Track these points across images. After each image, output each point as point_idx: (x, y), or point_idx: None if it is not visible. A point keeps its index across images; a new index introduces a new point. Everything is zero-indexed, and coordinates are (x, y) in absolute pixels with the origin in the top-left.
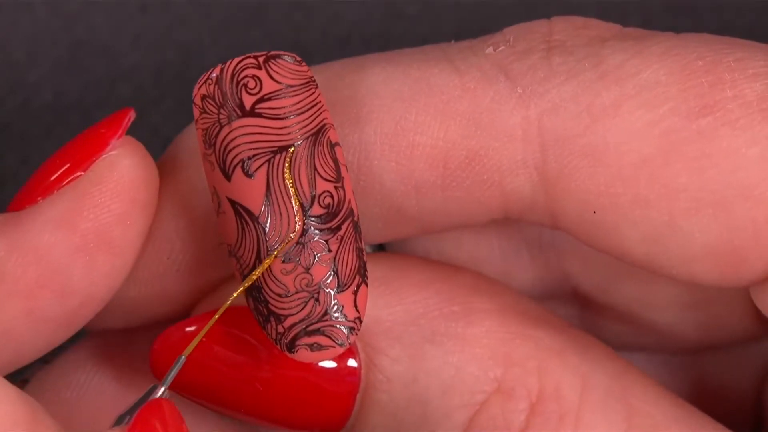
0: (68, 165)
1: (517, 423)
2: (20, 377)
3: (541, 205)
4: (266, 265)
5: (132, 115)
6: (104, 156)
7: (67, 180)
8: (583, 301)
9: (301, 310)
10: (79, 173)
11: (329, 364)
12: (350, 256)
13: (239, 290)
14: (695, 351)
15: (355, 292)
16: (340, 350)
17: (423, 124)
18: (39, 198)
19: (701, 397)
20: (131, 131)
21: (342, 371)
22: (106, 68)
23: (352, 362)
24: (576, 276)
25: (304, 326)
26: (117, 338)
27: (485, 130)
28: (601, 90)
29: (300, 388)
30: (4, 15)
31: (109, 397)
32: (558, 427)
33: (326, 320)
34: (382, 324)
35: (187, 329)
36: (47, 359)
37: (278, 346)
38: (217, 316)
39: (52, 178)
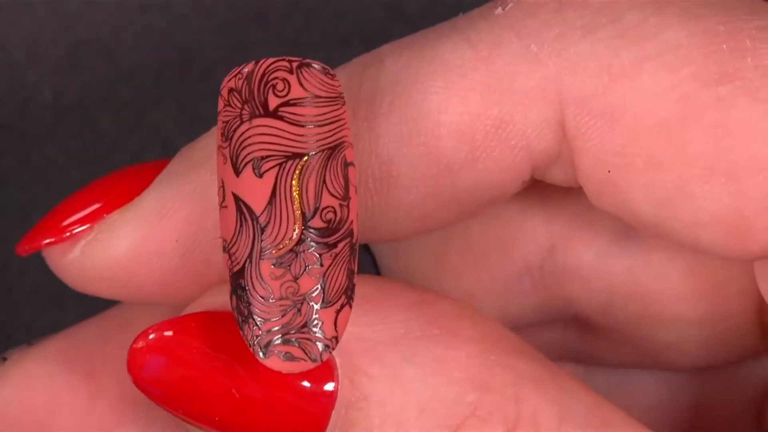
0: (94, 207)
1: None
2: (0, 355)
3: (565, 159)
4: None
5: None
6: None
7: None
8: (583, 323)
9: (282, 317)
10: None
11: (305, 383)
12: (340, 275)
13: None
14: (696, 370)
15: (338, 311)
16: (311, 366)
17: (445, 102)
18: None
19: (700, 415)
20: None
21: (318, 388)
22: (106, 68)
23: (329, 386)
24: (578, 300)
25: (281, 333)
26: (94, 333)
27: (506, 96)
28: (621, 49)
29: (275, 402)
30: (4, 15)
31: (79, 392)
32: None
33: (304, 332)
34: (363, 342)
35: (165, 333)
36: (32, 342)
37: (252, 349)
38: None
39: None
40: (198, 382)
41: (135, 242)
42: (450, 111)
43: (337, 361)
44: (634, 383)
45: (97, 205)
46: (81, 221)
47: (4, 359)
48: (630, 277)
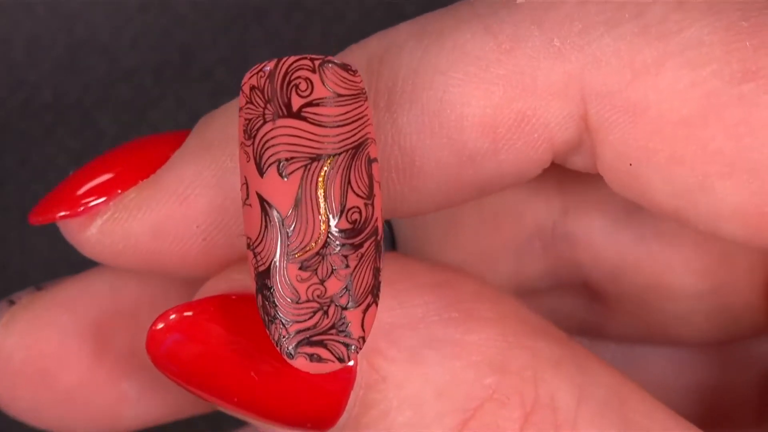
0: (107, 177)
1: (511, 431)
2: (8, 297)
3: (586, 149)
4: None
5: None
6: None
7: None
8: (593, 292)
9: (309, 319)
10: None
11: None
12: (366, 275)
13: None
14: (703, 344)
15: (365, 311)
16: (339, 366)
17: (467, 94)
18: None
19: (706, 393)
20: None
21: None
22: (106, 68)
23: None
24: (588, 266)
25: (308, 335)
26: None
27: (529, 90)
28: (643, 46)
29: (294, 382)
30: (4, 15)
31: (87, 342)
32: None
33: (331, 334)
34: (382, 325)
35: (185, 314)
36: (40, 286)
37: (278, 349)
38: None
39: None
40: (217, 364)
41: (154, 225)
42: (473, 104)
43: None
44: (639, 360)
45: (110, 176)
46: (96, 192)
47: (12, 302)
48: (640, 246)
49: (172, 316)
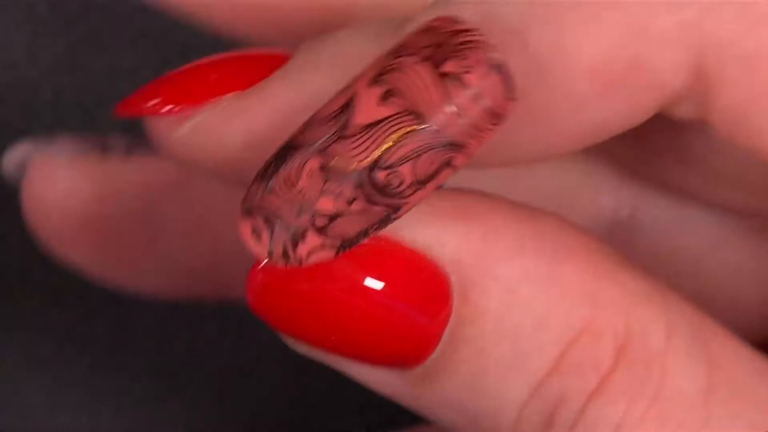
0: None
1: (605, 364)
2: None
3: (697, 98)
4: None
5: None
6: None
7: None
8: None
9: (285, 205)
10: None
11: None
12: (352, 226)
13: None
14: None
15: (317, 249)
16: (264, 258)
17: (577, 40)
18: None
19: None
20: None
21: (434, 299)
22: (106, 68)
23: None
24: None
25: (270, 211)
26: None
27: (642, 37)
28: None
29: (388, 315)
30: (4, 15)
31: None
32: (645, 373)
33: (284, 226)
34: (477, 257)
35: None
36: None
37: (241, 201)
38: None
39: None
40: (318, 300)
41: (246, 135)
42: (584, 50)
43: (452, 278)
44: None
45: (208, 80)
46: (193, 95)
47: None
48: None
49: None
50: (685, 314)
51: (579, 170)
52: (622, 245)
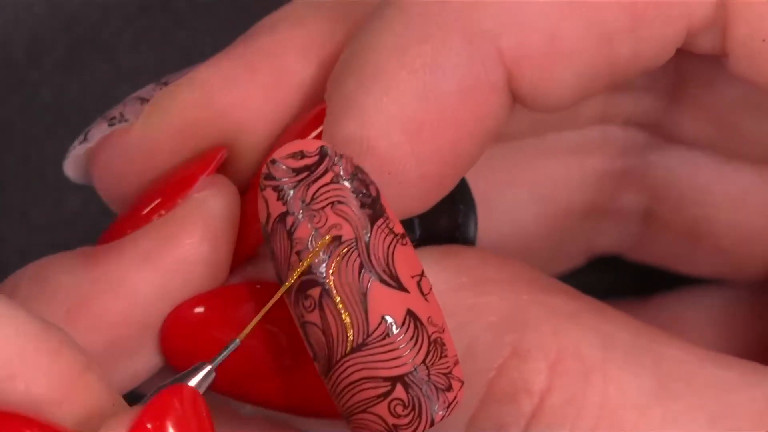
0: (159, 200)
1: (538, 384)
2: (160, 82)
3: (718, 27)
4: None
5: (224, 154)
6: (194, 195)
7: (155, 216)
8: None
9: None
10: (163, 211)
11: None
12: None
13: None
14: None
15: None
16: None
17: None
18: (128, 231)
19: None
20: None
21: None
22: (106, 68)
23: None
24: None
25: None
26: None
27: None
28: None
29: (309, 378)
30: (4, 15)
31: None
32: (585, 385)
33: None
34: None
35: (196, 310)
36: (165, 81)
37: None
38: (267, 309)
39: (143, 212)
40: (249, 363)
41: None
42: None
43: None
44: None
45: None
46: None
47: (165, 83)
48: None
49: (184, 313)
50: (621, 324)
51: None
52: (636, 168)
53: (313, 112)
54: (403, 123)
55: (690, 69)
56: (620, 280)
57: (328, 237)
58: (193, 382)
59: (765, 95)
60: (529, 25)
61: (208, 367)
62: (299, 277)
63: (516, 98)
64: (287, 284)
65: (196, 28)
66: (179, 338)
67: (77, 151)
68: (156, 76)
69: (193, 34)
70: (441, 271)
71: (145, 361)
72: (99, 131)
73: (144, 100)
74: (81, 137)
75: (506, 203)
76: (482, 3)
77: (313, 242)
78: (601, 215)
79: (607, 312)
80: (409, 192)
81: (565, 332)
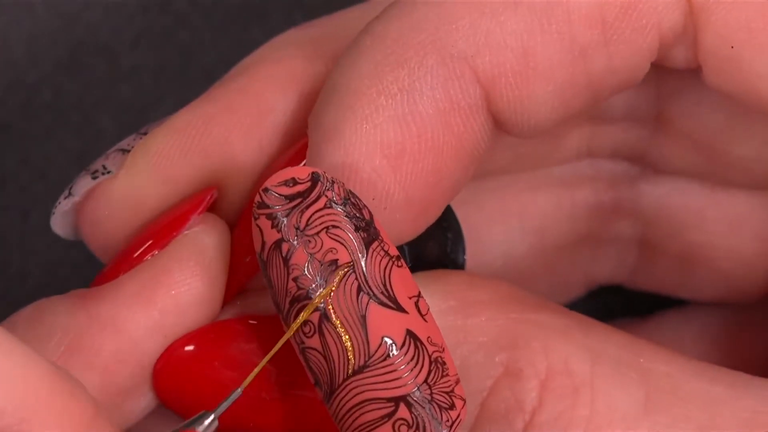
0: (150, 242)
1: (530, 401)
2: (139, 132)
3: (689, 36)
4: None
5: (215, 194)
6: (185, 232)
7: (148, 257)
8: (646, 246)
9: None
10: (156, 251)
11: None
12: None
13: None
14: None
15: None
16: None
17: None
18: (121, 274)
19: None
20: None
21: None
22: (106, 68)
23: None
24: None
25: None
26: None
27: None
28: None
29: (302, 406)
30: (4, 15)
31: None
32: (574, 401)
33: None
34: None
35: (186, 348)
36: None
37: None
38: (268, 358)
39: (135, 254)
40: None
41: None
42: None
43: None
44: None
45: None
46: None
47: (145, 134)
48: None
49: (174, 352)
50: (609, 339)
51: (587, 133)
52: (628, 198)
53: (296, 146)
54: (384, 148)
55: (671, 95)
56: (622, 303)
57: (341, 272)
58: None
59: (749, 120)
60: (502, 44)
61: (211, 417)
62: (293, 303)
63: (497, 121)
64: (290, 331)
65: (196, 28)
66: (171, 377)
67: (63, 207)
68: (156, 76)
69: (193, 34)
70: (429, 296)
71: (139, 400)
72: (83, 185)
73: (125, 151)
74: (66, 192)
75: (497, 237)
76: (455, 25)
77: (310, 268)
78: (596, 245)
79: (595, 327)
80: (396, 217)
81: (555, 349)
